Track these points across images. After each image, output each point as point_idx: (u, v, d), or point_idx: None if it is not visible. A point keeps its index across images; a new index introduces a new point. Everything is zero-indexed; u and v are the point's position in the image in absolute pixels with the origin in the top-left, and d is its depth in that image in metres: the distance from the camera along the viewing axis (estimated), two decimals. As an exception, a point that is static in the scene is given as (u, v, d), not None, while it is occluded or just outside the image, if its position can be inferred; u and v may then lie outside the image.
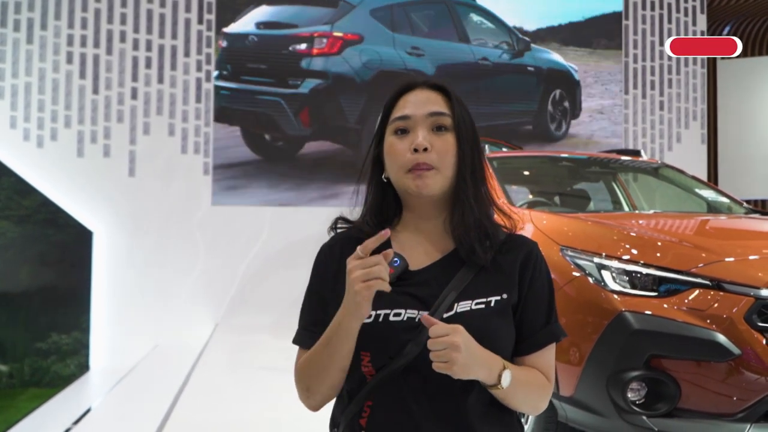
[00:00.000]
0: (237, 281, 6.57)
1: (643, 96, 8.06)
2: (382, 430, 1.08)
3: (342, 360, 1.07)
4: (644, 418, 2.16)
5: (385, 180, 1.16)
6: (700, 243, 2.53)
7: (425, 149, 1.09)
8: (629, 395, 2.19)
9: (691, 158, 8.17)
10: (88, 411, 4.26)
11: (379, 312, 1.07)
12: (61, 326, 6.06)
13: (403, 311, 1.07)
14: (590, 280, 2.37)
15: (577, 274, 2.43)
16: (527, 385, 1.11)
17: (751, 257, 2.37)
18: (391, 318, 1.06)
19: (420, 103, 1.12)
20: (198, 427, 3.31)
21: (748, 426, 2.08)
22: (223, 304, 6.57)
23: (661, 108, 8.12)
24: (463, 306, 1.08)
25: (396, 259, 1.07)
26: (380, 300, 1.05)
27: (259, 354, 5.05)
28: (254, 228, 6.58)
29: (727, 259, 2.29)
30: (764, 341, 2.09)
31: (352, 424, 1.09)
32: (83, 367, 6.07)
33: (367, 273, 0.97)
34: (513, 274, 1.15)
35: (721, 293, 2.17)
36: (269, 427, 3.32)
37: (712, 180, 9.17)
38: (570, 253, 2.52)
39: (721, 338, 2.10)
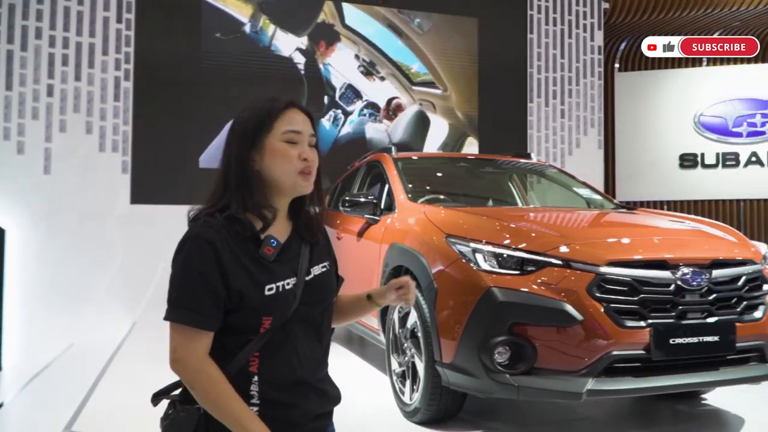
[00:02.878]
0: (156, 279, 6.64)
1: (546, 104, 8.69)
2: (273, 370, 1.37)
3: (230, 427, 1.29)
4: (508, 376, 2.56)
5: (251, 173, 1.43)
6: (560, 231, 2.97)
7: (311, 161, 1.43)
8: (496, 357, 2.58)
9: (589, 162, 8.87)
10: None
11: (277, 284, 1.37)
12: (-28, 325, 5.96)
13: (290, 280, 1.40)
14: (466, 262, 2.75)
15: (457, 258, 2.80)
16: None
17: (596, 241, 2.81)
18: (286, 287, 1.39)
19: (304, 123, 1.45)
20: (115, 416, 3.44)
21: (591, 380, 2.51)
22: (142, 303, 6.64)
23: (562, 116, 8.77)
24: (315, 270, 1.46)
25: (273, 240, 1.40)
26: (273, 274, 1.37)
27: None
28: (174, 226, 6.67)
29: (575, 242, 2.72)
30: (602, 309, 2.53)
31: (242, 374, 1.35)
32: (-6, 366, 5.99)
33: None
34: (327, 248, 1.57)
35: (569, 270, 2.60)
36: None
37: (610, 182, 9.93)
38: (452, 239, 2.90)
39: (568, 307, 2.52)
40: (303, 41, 7.97)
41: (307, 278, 1.43)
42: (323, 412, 1.44)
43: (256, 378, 1.34)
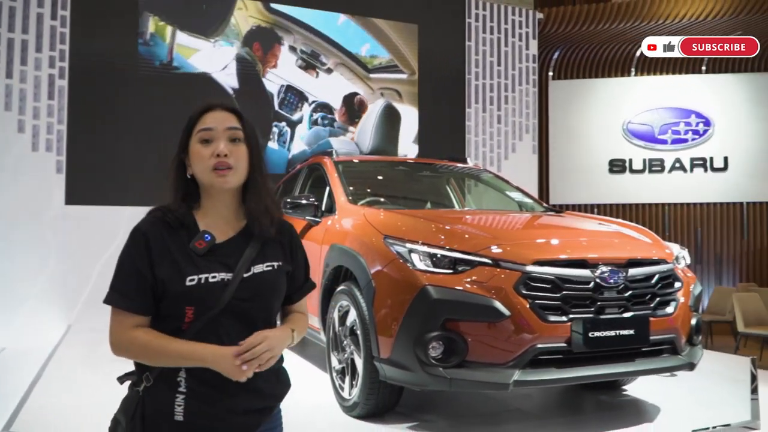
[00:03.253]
0: (92, 282, 6.52)
1: (483, 110, 8.97)
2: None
3: (181, 366, 1.41)
4: (441, 369, 2.72)
5: (189, 177, 1.52)
6: (491, 232, 3.16)
7: (225, 155, 1.46)
8: (430, 352, 2.73)
9: (524, 166, 9.20)
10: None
11: (200, 276, 1.44)
12: None
13: (217, 274, 1.46)
14: (403, 262, 2.90)
15: (394, 258, 2.95)
16: (302, 328, 1.62)
17: (523, 242, 3.01)
18: (210, 280, 1.45)
19: (220, 120, 1.50)
20: (55, 416, 3.42)
21: (517, 371, 2.69)
22: (77, 306, 6.51)
23: (499, 121, 9.08)
24: (257, 268, 1.49)
25: (207, 235, 1.48)
26: (199, 266, 1.44)
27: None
28: (110, 227, 6.57)
29: (504, 243, 2.91)
30: (528, 305, 2.72)
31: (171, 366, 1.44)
32: None
33: (250, 371, 1.37)
34: (285, 248, 1.59)
35: (498, 269, 2.79)
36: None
37: (544, 186, 10.33)
38: (390, 240, 3.04)
39: (497, 304, 2.70)
40: (235, 49, 7.16)
41: (246, 275, 1.47)
42: (255, 408, 1.47)
43: (183, 369, 1.41)
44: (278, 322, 1.61)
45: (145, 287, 1.42)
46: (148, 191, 6.79)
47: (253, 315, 1.47)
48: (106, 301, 1.44)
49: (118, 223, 6.56)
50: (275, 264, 1.53)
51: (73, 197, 6.65)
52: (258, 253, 1.51)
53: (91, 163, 6.73)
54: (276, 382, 1.53)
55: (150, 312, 1.43)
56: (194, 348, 1.38)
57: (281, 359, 1.55)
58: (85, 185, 6.70)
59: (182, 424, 1.40)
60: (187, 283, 1.41)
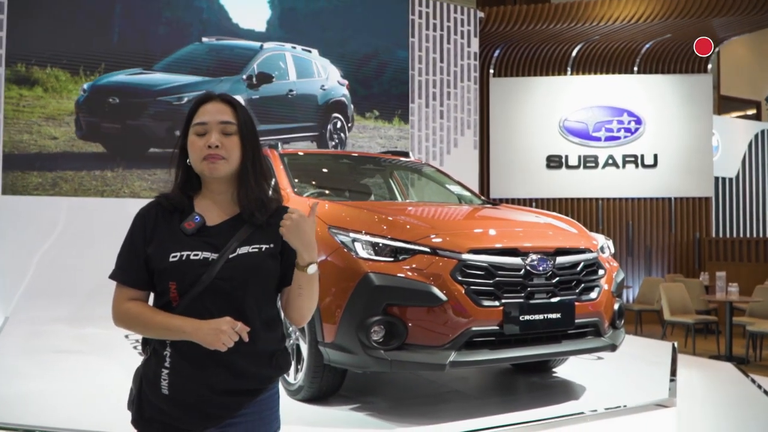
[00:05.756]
0: (30, 273, 6.40)
1: (427, 105, 9.19)
2: (186, 342, 1.50)
3: (166, 338, 1.51)
4: (382, 351, 2.88)
5: (189, 164, 1.60)
6: (431, 223, 3.35)
7: (216, 146, 1.54)
8: (371, 335, 2.89)
9: (466, 161, 9.48)
10: None
11: (183, 253, 1.52)
12: None
13: (200, 253, 1.51)
14: (347, 250, 3.05)
15: (338, 247, 3.09)
16: (315, 290, 1.60)
17: (460, 231, 3.21)
18: (192, 257, 1.53)
19: (214, 113, 1.57)
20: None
21: (453, 353, 2.88)
22: (14, 298, 6.38)
23: (441, 117, 9.32)
24: (243, 250, 1.53)
25: (197, 217, 1.57)
26: (184, 245, 1.53)
27: (54, 340, 5.10)
28: (49, 218, 6.46)
29: (442, 233, 3.10)
30: (463, 291, 2.91)
31: (162, 341, 1.53)
32: None
33: (228, 340, 1.43)
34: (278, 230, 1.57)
35: (436, 257, 2.97)
36: (65, 400, 3.50)
37: (485, 180, 10.64)
38: (334, 230, 3.18)
39: (434, 289, 2.88)
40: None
41: (231, 256, 1.52)
42: (238, 389, 1.52)
43: (168, 343, 1.51)
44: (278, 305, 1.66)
45: (138, 263, 1.54)
46: (86, 182, 6.72)
47: (236, 295, 1.52)
48: (110, 275, 1.58)
49: (57, 213, 6.46)
50: (263, 247, 1.56)
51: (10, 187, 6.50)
52: (248, 236, 1.56)
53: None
54: (266, 364, 1.57)
55: (143, 286, 1.56)
56: (175, 320, 1.48)
57: (279, 341, 1.61)
58: (23, 175, 6.56)
59: (168, 397, 1.50)
60: (170, 260, 1.51)
